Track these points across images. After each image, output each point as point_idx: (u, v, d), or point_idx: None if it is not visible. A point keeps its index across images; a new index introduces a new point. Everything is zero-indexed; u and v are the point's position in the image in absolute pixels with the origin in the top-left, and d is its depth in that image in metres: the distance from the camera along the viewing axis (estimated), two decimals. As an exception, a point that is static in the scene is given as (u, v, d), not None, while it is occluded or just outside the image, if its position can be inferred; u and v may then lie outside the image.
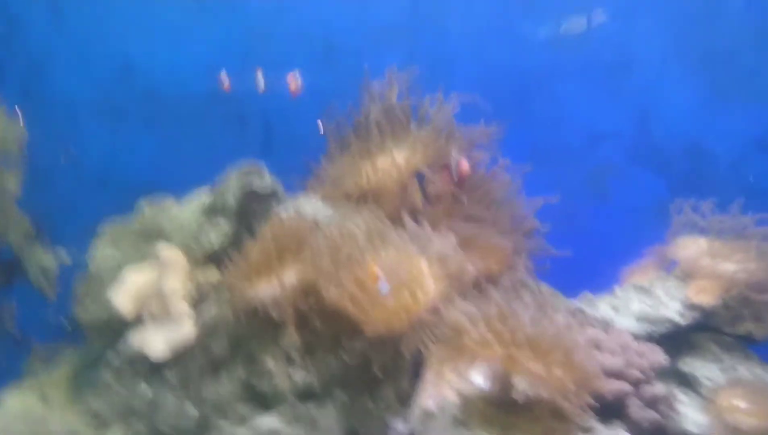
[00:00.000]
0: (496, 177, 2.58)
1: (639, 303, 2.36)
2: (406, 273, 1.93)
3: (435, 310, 1.87)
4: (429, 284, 1.97)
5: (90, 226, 2.60)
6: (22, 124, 3.14)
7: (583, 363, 1.69)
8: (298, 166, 2.83)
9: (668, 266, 2.50)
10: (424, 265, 2.03)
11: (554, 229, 2.54)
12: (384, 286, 1.80)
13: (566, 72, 3.44)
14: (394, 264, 1.97)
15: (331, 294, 1.89)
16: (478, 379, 1.92)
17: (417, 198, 2.46)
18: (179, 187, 2.81)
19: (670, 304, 2.31)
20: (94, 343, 2.47)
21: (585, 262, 2.67)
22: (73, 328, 2.47)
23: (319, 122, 2.82)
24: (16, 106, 3.28)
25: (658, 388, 1.90)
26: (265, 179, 2.59)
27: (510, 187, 2.57)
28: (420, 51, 3.67)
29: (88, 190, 3.44)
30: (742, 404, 1.87)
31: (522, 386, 1.79)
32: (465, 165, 2.45)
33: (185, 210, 2.63)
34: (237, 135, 3.65)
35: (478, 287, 1.88)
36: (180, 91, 3.64)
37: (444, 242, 2.08)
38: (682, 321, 2.27)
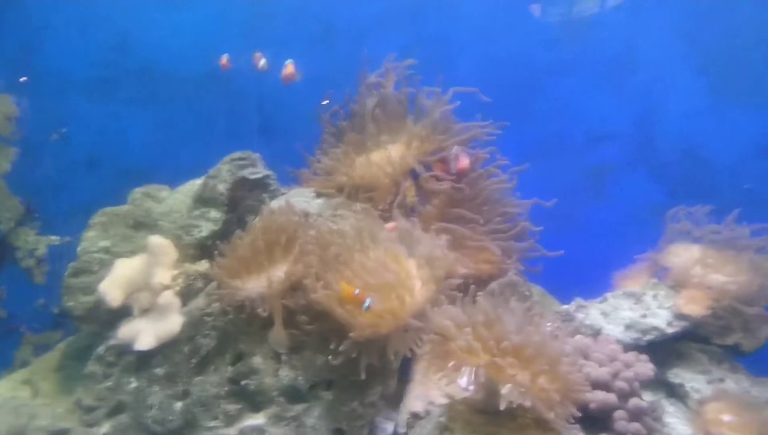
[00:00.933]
0: (492, 175, 2.54)
1: (629, 310, 2.34)
2: (393, 275, 1.90)
3: (422, 314, 1.85)
4: (416, 287, 1.95)
5: (79, 209, 2.56)
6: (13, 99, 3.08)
7: (568, 373, 1.68)
8: (293, 155, 2.79)
9: (660, 273, 2.48)
10: (412, 267, 2.01)
11: (549, 230, 2.51)
12: (366, 303, 1.78)
13: (568, 68, 3.38)
14: (382, 265, 1.94)
15: (318, 295, 1.87)
16: (464, 385, 1.92)
17: (410, 195, 2.42)
18: (172, 170, 2.77)
19: (660, 312, 2.30)
20: (84, 332, 2.45)
21: (579, 263, 2.65)
22: (62, 316, 2.44)
23: (323, 103, 2.77)
24: (25, 78, 3.22)
25: (645, 400, 1.90)
26: (257, 169, 2.55)
27: (505, 186, 2.53)
28: (423, 37, 3.59)
29: (78, 171, 3.39)
30: (727, 418, 1.87)
31: (506, 395, 1.78)
32: (464, 161, 2.40)
33: (176, 198, 2.59)
34: (232, 118, 3.59)
35: (466, 289, 1.85)
36: (176, 71, 3.58)
37: (434, 243, 2.05)
38: (670, 330, 2.26)
